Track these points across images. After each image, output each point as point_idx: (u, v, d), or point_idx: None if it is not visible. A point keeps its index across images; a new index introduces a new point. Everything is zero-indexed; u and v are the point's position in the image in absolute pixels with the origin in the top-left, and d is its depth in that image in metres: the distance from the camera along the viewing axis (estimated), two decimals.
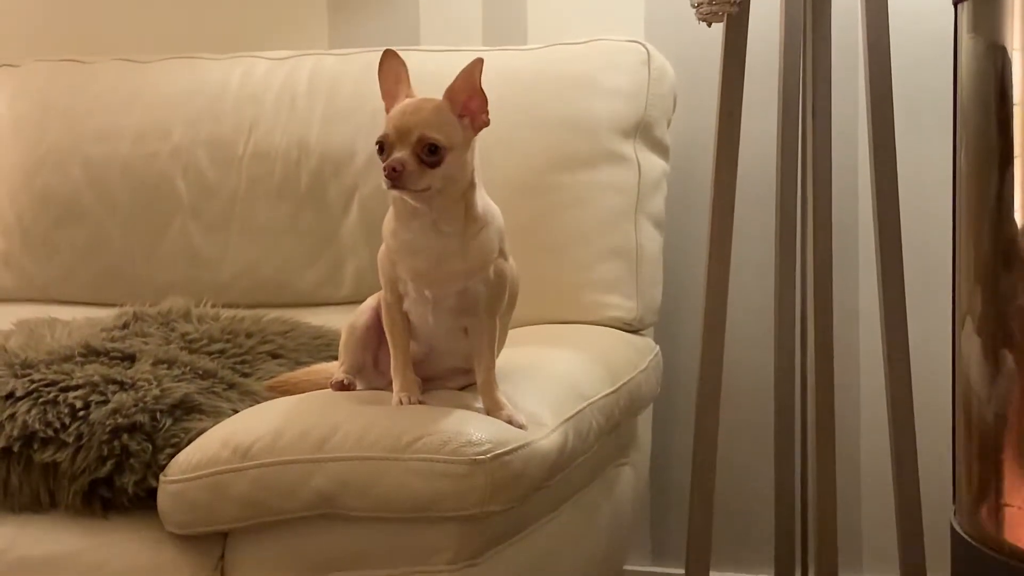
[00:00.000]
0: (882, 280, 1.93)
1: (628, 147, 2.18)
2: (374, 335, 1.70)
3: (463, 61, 1.57)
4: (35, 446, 1.66)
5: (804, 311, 2.16)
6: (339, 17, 2.59)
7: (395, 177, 1.52)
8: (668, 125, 2.26)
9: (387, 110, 1.60)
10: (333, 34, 2.59)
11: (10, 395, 1.72)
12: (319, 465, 1.55)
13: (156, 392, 1.71)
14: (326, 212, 2.30)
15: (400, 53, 1.63)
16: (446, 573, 1.56)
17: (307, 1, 2.61)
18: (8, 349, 1.89)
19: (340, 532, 1.58)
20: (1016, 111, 1.66)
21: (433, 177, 1.54)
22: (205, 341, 1.98)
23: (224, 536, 1.63)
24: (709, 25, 1.89)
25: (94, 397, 1.69)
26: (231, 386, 1.83)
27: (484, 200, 1.62)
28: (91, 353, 1.85)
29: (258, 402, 1.77)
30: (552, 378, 1.80)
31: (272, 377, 1.88)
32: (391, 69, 1.62)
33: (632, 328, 2.15)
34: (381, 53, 1.63)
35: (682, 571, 2.02)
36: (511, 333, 1.74)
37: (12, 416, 1.68)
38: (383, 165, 1.53)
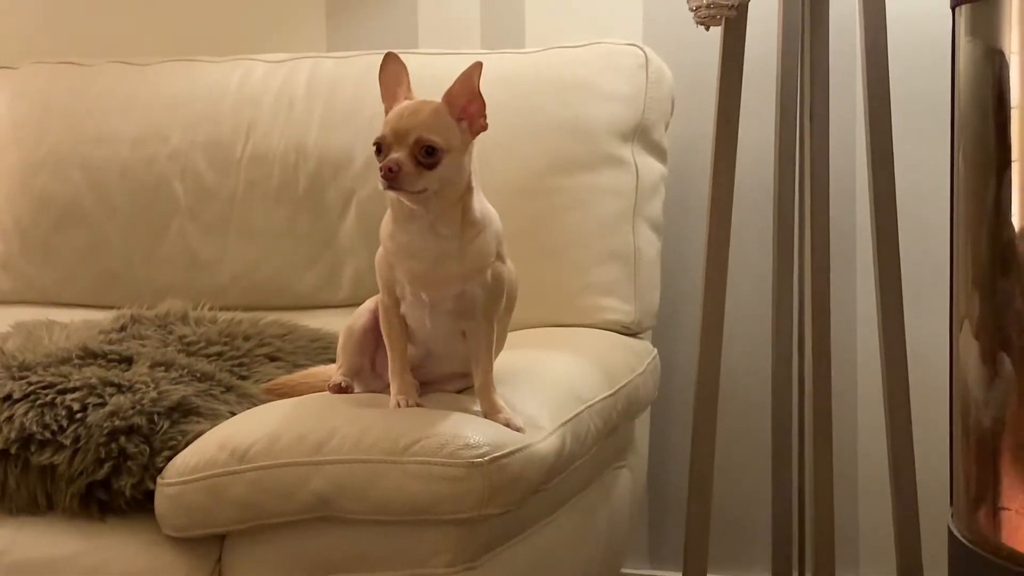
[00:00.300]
0: (880, 284, 1.93)
1: (626, 151, 2.18)
2: (372, 338, 1.70)
3: (462, 64, 1.57)
4: (32, 448, 1.66)
5: (802, 315, 2.15)
6: (337, 20, 2.58)
7: (391, 178, 1.52)
8: (666, 128, 2.26)
9: (387, 112, 1.60)
10: (331, 37, 2.58)
11: (7, 397, 1.72)
12: (317, 468, 1.55)
13: (153, 395, 1.71)
14: (324, 215, 2.30)
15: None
16: None
17: (305, 4, 2.61)
18: (6, 351, 1.89)
19: (338, 535, 1.58)
20: (1014, 115, 1.66)
21: (429, 179, 1.53)
22: (203, 344, 1.98)
23: (221, 539, 1.63)
24: (707, 28, 1.89)
25: (91, 399, 1.69)
26: (229, 389, 1.83)
27: (482, 203, 1.62)
28: (89, 355, 1.86)
29: (256, 405, 1.77)
30: (550, 381, 1.80)
31: (270, 380, 1.87)
32: (392, 72, 1.62)
33: (630, 331, 2.15)
34: (380, 56, 1.63)
35: (679, 574, 2.02)
36: (509, 336, 1.74)
37: (9, 418, 1.68)
38: (379, 165, 1.53)
